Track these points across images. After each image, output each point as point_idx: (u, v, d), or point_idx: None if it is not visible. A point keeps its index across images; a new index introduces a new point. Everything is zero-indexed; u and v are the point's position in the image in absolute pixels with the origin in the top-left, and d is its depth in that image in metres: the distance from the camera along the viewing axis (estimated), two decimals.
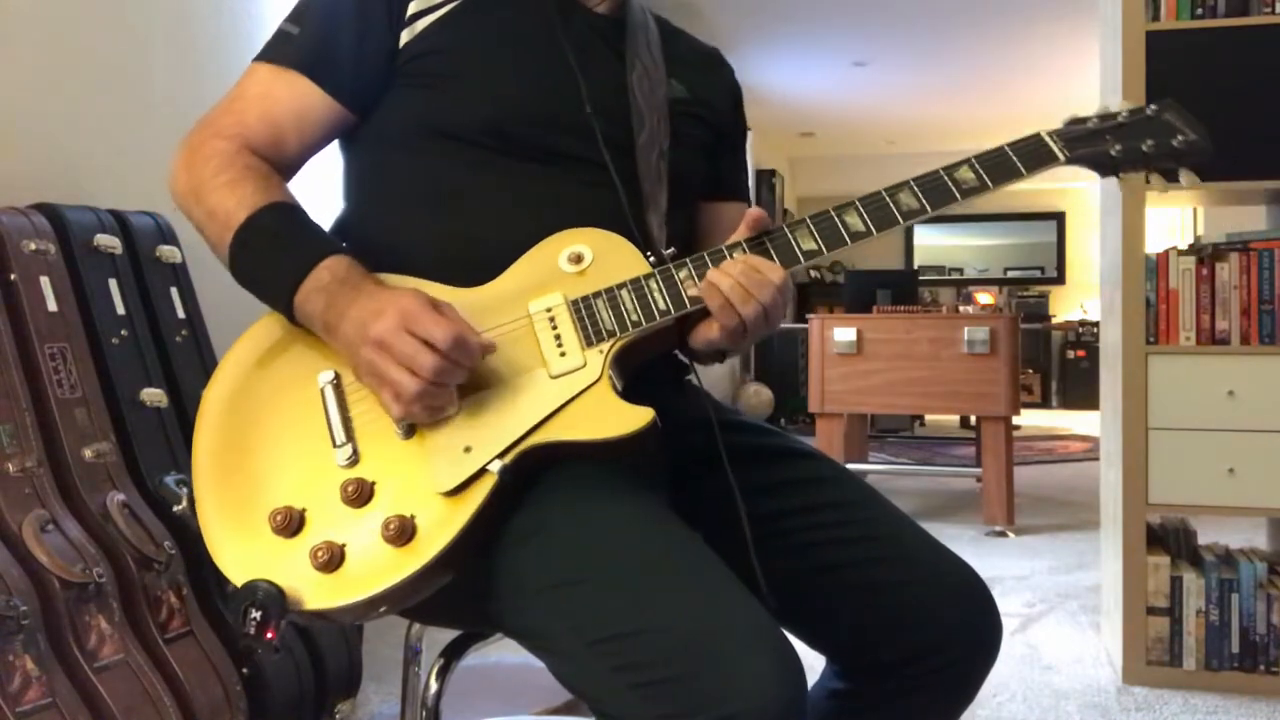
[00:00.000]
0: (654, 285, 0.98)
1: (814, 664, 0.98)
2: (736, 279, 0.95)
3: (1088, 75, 3.93)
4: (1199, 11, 2.30)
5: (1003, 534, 3.90)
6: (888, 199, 0.99)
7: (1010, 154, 1.01)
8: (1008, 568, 3.41)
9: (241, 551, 0.89)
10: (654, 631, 0.81)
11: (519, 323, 0.97)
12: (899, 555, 1.04)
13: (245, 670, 1.72)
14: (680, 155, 1.13)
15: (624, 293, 0.97)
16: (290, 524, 0.89)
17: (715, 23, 5.98)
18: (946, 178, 1.00)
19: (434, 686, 1.10)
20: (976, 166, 1.00)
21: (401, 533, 0.87)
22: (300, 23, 1.07)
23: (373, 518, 0.88)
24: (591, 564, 0.88)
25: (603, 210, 1.03)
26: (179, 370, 1.88)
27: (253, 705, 1.72)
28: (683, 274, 0.98)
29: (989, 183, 1.00)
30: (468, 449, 0.90)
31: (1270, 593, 2.29)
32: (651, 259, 1.00)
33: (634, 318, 0.96)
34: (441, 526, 0.87)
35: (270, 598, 0.84)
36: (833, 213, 0.99)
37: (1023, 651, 2.61)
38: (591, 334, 0.96)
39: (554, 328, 0.96)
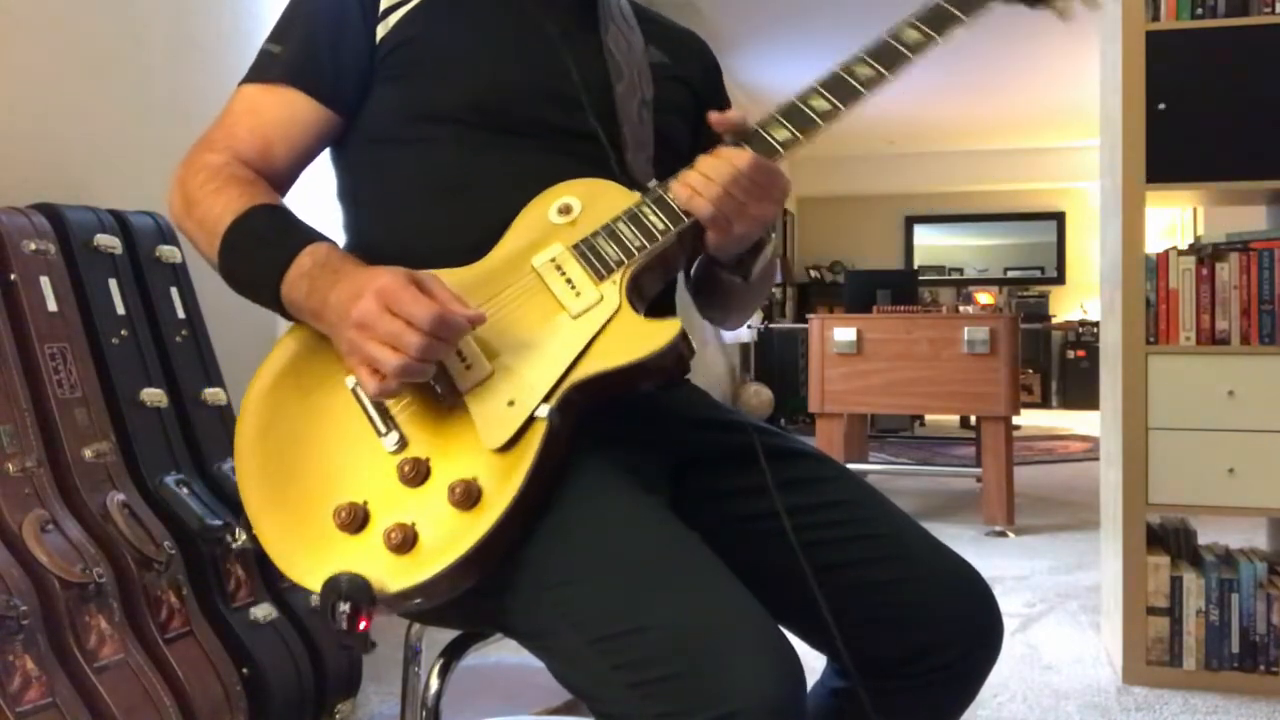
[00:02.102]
0: (647, 210, 0.99)
1: (814, 665, 0.98)
2: (697, 168, 0.98)
3: (1088, 75, 3.93)
4: (1199, 11, 2.30)
5: (1003, 534, 3.90)
6: (844, 74, 1.03)
7: (944, 4, 1.06)
8: (1008, 568, 3.42)
9: (314, 559, 0.88)
10: (654, 630, 0.81)
11: (528, 279, 0.97)
12: (900, 554, 1.04)
13: (245, 670, 1.73)
14: (666, 118, 1.15)
15: (620, 224, 0.98)
16: (355, 518, 0.88)
17: (715, 22, 5.98)
18: (894, 41, 1.05)
19: (434, 686, 1.10)
20: (918, 24, 1.05)
21: (468, 495, 0.87)
22: (281, 41, 1.09)
23: (435, 490, 0.88)
24: (593, 562, 0.88)
25: (599, 172, 1.04)
26: (179, 370, 1.88)
27: (253, 705, 1.72)
28: (672, 194, 1.00)
29: (934, 35, 1.04)
30: (511, 403, 0.90)
31: (1270, 593, 2.30)
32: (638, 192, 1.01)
33: (637, 243, 0.97)
34: (504, 481, 0.87)
35: (355, 587, 0.84)
36: (797, 100, 1.02)
37: (1023, 651, 2.61)
38: (600, 269, 0.97)
39: (563, 274, 0.97)
